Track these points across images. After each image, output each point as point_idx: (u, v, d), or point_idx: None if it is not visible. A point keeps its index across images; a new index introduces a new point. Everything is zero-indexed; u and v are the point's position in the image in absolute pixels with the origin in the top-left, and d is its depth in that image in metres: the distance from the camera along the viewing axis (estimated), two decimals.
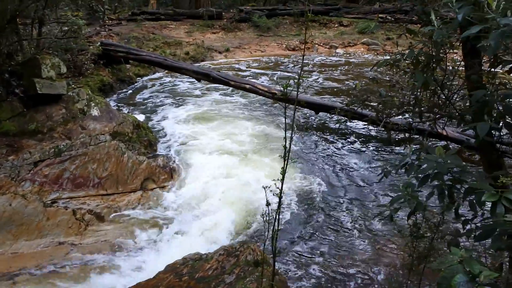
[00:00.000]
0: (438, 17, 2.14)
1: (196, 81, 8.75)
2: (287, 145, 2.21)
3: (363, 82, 9.51)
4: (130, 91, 9.08)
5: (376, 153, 5.97)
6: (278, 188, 2.21)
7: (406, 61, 2.49)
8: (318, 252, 3.89)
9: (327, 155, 5.94)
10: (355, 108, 3.26)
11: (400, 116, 3.10)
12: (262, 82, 9.20)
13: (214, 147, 5.93)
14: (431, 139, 5.38)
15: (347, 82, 9.81)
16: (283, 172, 2.21)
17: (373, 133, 6.68)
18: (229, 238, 4.11)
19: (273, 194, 2.23)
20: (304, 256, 3.84)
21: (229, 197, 4.75)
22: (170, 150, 5.82)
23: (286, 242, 4.02)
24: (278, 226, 2.30)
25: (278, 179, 2.21)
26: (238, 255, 3.20)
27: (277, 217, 2.30)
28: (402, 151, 5.85)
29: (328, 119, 7.20)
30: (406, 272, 3.20)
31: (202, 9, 16.73)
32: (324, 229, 4.25)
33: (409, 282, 2.90)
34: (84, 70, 8.14)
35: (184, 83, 9.61)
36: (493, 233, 1.69)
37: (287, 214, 4.46)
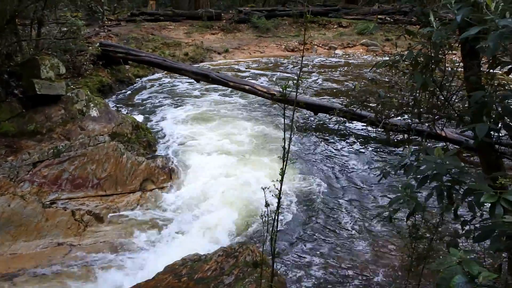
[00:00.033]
0: (437, 18, 2.15)
1: (195, 82, 8.76)
2: (286, 146, 2.21)
3: (362, 83, 9.51)
4: (129, 92, 9.08)
5: (375, 153, 5.97)
6: (277, 189, 2.21)
7: (405, 62, 2.49)
8: (317, 253, 3.89)
9: (326, 155, 5.94)
10: (354, 109, 3.27)
11: (399, 117, 3.11)
12: (262, 83, 9.21)
13: (213, 147, 5.93)
14: (430, 140, 5.40)
15: (346, 83, 9.82)
16: (282, 173, 2.22)
17: (372, 134, 6.68)
18: (228, 238, 4.10)
19: (272, 195, 2.23)
20: (303, 257, 3.83)
21: (228, 197, 4.75)
22: (169, 151, 5.82)
23: (286, 243, 4.02)
24: (277, 227, 2.30)
25: (277, 180, 2.21)
26: (237, 256, 3.20)
27: (276, 218, 2.30)
28: (401, 152, 5.86)
29: (327, 120, 7.20)
30: (405, 273, 3.20)
31: (201, 10, 16.73)
32: (323, 230, 4.25)
33: (408, 283, 2.90)
34: (83, 70, 8.13)
35: (183, 84, 9.61)
36: (492, 234, 1.69)
37: (286, 215, 4.46)
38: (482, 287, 1.38)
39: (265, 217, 2.27)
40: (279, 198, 2.27)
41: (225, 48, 13.75)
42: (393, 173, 2.34)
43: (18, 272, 3.54)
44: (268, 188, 2.24)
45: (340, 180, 5.23)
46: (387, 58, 2.56)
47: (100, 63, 8.85)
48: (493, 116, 2.09)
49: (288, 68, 11.78)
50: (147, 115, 7.34)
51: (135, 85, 9.66)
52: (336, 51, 14.31)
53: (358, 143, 6.33)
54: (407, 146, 2.43)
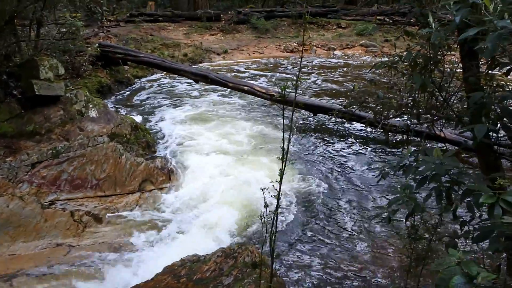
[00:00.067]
0: (435, 19, 2.15)
1: (194, 83, 8.76)
2: (285, 147, 2.21)
3: (361, 83, 9.53)
4: (128, 93, 9.08)
5: (374, 154, 5.98)
6: (276, 189, 2.21)
7: (404, 63, 2.50)
8: (317, 253, 3.89)
9: (325, 156, 5.94)
10: (353, 109, 3.27)
11: (398, 118, 3.11)
12: (261, 83, 9.21)
13: (212, 148, 5.94)
14: (429, 140, 5.41)
15: (345, 84, 9.82)
16: (281, 174, 2.22)
17: (371, 134, 6.68)
18: (228, 239, 4.10)
19: (271, 196, 2.23)
20: (302, 257, 3.83)
21: (228, 198, 4.75)
22: (168, 152, 5.81)
23: (285, 244, 4.02)
24: (276, 228, 2.30)
25: (276, 181, 2.21)
26: (236, 256, 3.20)
27: (276, 219, 2.30)
28: (400, 152, 5.86)
29: (326, 121, 7.21)
30: (404, 274, 3.20)
31: (200, 11, 16.73)
32: (323, 230, 4.25)
33: (407, 283, 2.90)
34: (82, 71, 8.13)
35: (182, 85, 9.61)
36: (490, 235, 1.69)
37: (285, 215, 4.46)
38: (481, 287, 1.39)
39: (264, 217, 2.27)
40: (278, 199, 2.27)
41: (224, 49, 13.75)
42: (392, 173, 2.35)
43: (17, 273, 3.53)
44: (267, 189, 2.24)
45: (339, 181, 5.23)
46: (386, 59, 2.56)
47: (99, 64, 8.85)
48: (492, 117, 2.09)
49: (287, 68, 11.79)
50: (146, 116, 7.34)
51: (134, 85, 9.66)
52: (335, 52, 14.33)
53: (357, 143, 6.33)
54: (406, 147, 2.43)
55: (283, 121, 2.26)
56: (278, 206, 2.29)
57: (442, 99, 2.53)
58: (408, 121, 2.88)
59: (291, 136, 2.25)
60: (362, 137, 6.59)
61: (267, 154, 5.77)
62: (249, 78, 10.19)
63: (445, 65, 2.50)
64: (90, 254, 3.86)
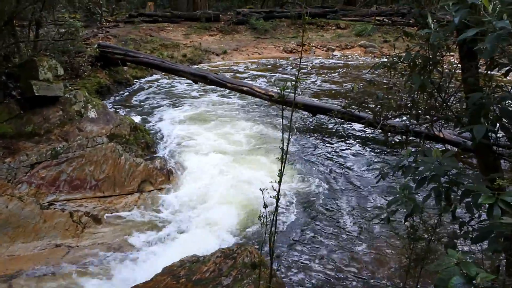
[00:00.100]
0: (434, 20, 2.15)
1: (193, 83, 8.76)
2: (285, 147, 2.21)
3: (361, 84, 9.53)
4: (127, 93, 9.07)
5: (373, 155, 5.98)
6: (275, 190, 2.21)
7: (403, 64, 2.50)
8: (316, 254, 3.89)
9: (324, 156, 5.94)
10: (353, 110, 3.27)
11: (397, 119, 3.11)
12: (260, 84, 9.21)
13: (211, 148, 5.93)
14: (428, 141, 5.41)
15: (344, 84, 9.83)
16: (281, 174, 2.22)
17: (370, 135, 6.69)
18: (227, 239, 4.10)
19: (271, 196, 2.23)
20: (301, 258, 3.83)
21: (227, 198, 4.74)
22: (167, 152, 5.81)
23: (284, 244, 4.02)
24: (275, 228, 2.30)
25: (275, 181, 2.21)
26: (235, 257, 3.20)
27: (275, 219, 2.30)
28: (399, 153, 5.86)
29: (325, 121, 7.22)
30: (403, 274, 3.21)
31: (199, 12, 16.73)
32: (322, 231, 4.25)
33: (406, 284, 2.90)
34: (81, 72, 8.12)
35: (181, 85, 9.61)
36: (489, 235, 1.70)
37: (285, 216, 4.46)
38: None
39: (263, 218, 2.27)
40: (278, 199, 2.27)
41: (224, 50, 13.75)
42: (391, 174, 2.35)
43: (16, 274, 3.52)
44: (266, 189, 2.24)
45: (338, 181, 5.23)
46: (385, 60, 2.56)
47: (98, 65, 8.84)
48: (491, 117, 2.09)
49: (286, 69, 11.79)
50: (145, 116, 7.34)
51: (133, 86, 9.65)
52: (334, 53, 14.34)
53: (356, 144, 6.34)
54: (405, 147, 2.43)
55: (282, 121, 2.26)
56: (277, 206, 2.29)
57: (441, 99, 2.54)
58: (407, 122, 2.88)
59: (290, 137, 2.26)
60: (362, 138, 6.60)
61: (266, 154, 5.77)
62: (248, 79, 10.20)
63: (444, 66, 2.50)
64: (89, 254, 3.86)
